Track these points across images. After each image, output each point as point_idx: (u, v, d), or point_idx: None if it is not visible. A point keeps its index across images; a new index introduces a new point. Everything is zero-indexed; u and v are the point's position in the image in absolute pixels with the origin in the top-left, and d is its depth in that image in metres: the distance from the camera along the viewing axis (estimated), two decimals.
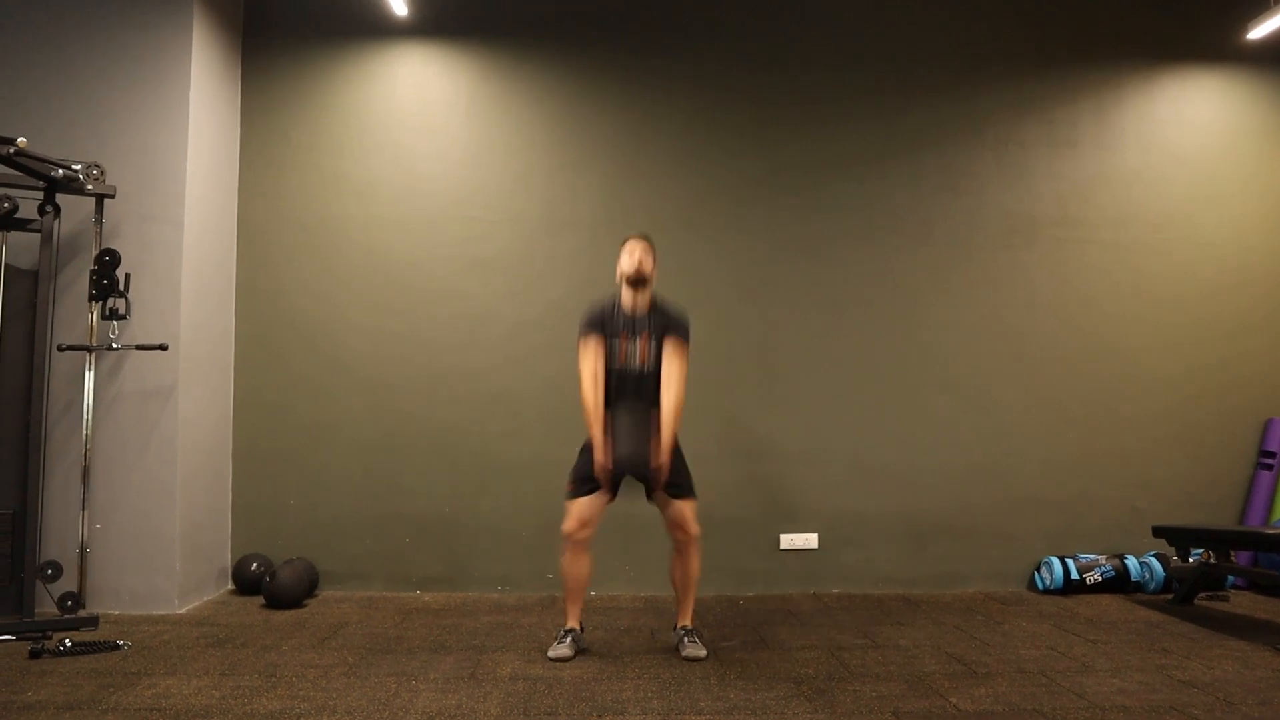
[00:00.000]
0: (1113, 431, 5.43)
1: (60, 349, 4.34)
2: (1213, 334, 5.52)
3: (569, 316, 5.20)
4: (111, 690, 3.29)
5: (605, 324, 3.91)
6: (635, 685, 3.43)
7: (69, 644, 3.75)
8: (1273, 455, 5.39)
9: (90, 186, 4.32)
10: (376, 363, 5.18)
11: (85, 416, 4.33)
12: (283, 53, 5.27)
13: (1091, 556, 5.22)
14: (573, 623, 3.96)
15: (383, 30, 5.29)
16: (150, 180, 4.59)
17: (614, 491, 3.90)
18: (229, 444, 5.12)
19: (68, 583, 4.27)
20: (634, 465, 3.75)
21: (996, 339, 5.41)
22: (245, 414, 5.14)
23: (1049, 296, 5.45)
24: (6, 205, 4.21)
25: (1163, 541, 5.18)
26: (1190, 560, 4.97)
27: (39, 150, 4.16)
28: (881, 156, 5.42)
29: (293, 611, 4.60)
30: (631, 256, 3.89)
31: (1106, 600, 5.01)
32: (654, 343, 3.86)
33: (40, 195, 4.25)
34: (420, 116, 5.30)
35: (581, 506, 3.85)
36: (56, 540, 4.40)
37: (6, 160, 3.95)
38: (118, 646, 3.83)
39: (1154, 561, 5.18)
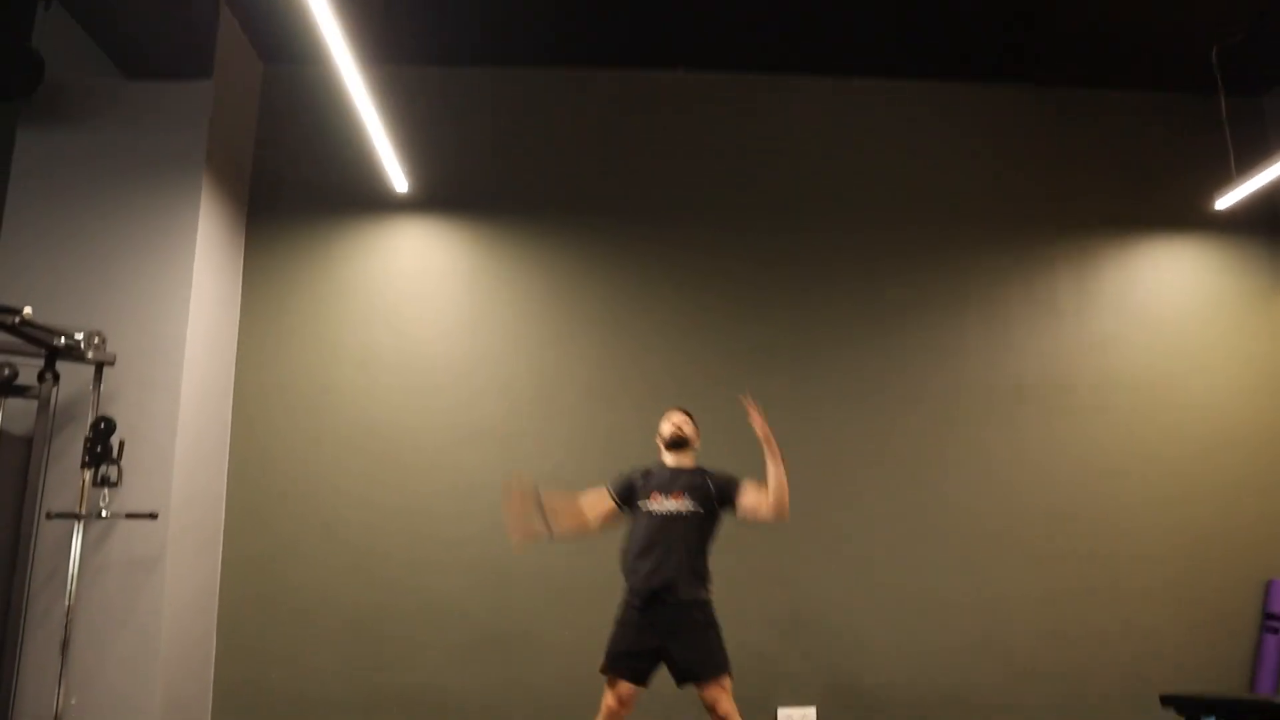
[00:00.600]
0: (1114, 598, 5.34)
1: (49, 517, 4.29)
2: (1207, 495, 5.51)
3: (560, 487, 5.19)
4: None
5: (635, 485, 4.08)
6: None
7: None
8: (1277, 618, 5.31)
9: (90, 355, 4.37)
10: (367, 530, 5.13)
11: (69, 586, 4.24)
12: (286, 225, 5.44)
13: None
14: None
15: (382, 205, 5.49)
16: (150, 348, 4.65)
17: (631, 672, 3.86)
18: (214, 615, 5.00)
19: None
20: (660, 589, 3.86)
21: (989, 507, 5.39)
22: (232, 583, 5.05)
23: (1040, 461, 5.47)
24: (6, 372, 4.24)
25: (1171, 711, 5.03)
26: None
27: (43, 313, 4.22)
28: (869, 327, 5.54)
29: None
30: (670, 421, 4.12)
31: None
32: (692, 499, 3.94)
33: (40, 362, 4.29)
34: (417, 287, 5.43)
35: (619, 686, 3.85)
36: (30, 713, 4.23)
37: (11, 329, 4.01)
38: None
39: None
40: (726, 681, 3.82)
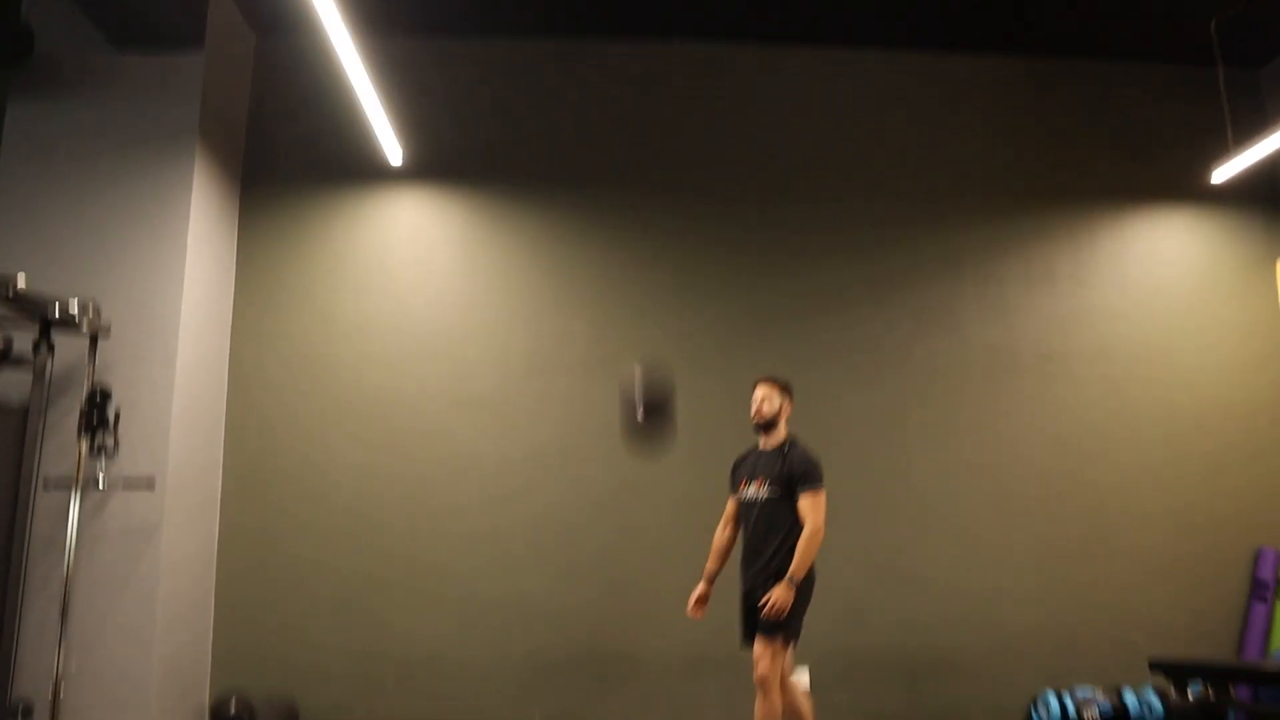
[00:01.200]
0: (1105, 564, 5.40)
1: (46, 486, 4.33)
2: (1198, 466, 5.55)
3: (555, 456, 5.27)
4: None
5: (738, 467, 4.14)
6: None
7: None
8: (1266, 586, 5.35)
9: (85, 325, 4.39)
10: (363, 499, 5.17)
11: (67, 554, 4.29)
12: (280, 196, 5.45)
13: (1088, 693, 5.11)
14: None
15: (377, 175, 5.48)
16: (145, 319, 4.67)
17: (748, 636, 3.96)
18: (212, 580, 5.05)
19: None
20: (745, 597, 3.94)
21: (984, 474, 5.44)
22: (229, 550, 5.09)
23: (1034, 430, 5.50)
24: (0, 343, 4.26)
25: (1160, 676, 5.08)
26: (1189, 695, 4.86)
27: (38, 284, 4.22)
28: (864, 296, 5.56)
29: None
30: (753, 403, 4.04)
31: None
32: (769, 484, 3.91)
33: (35, 332, 4.30)
34: (412, 258, 5.44)
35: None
36: (30, 678, 4.28)
37: (4, 299, 4.02)
38: None
39: (1153, 698, 5.07)
40: (779, 646, 3.81)
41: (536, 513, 5.17)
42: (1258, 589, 5.39)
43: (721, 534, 4.18)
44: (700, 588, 4.13)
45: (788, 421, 4.07)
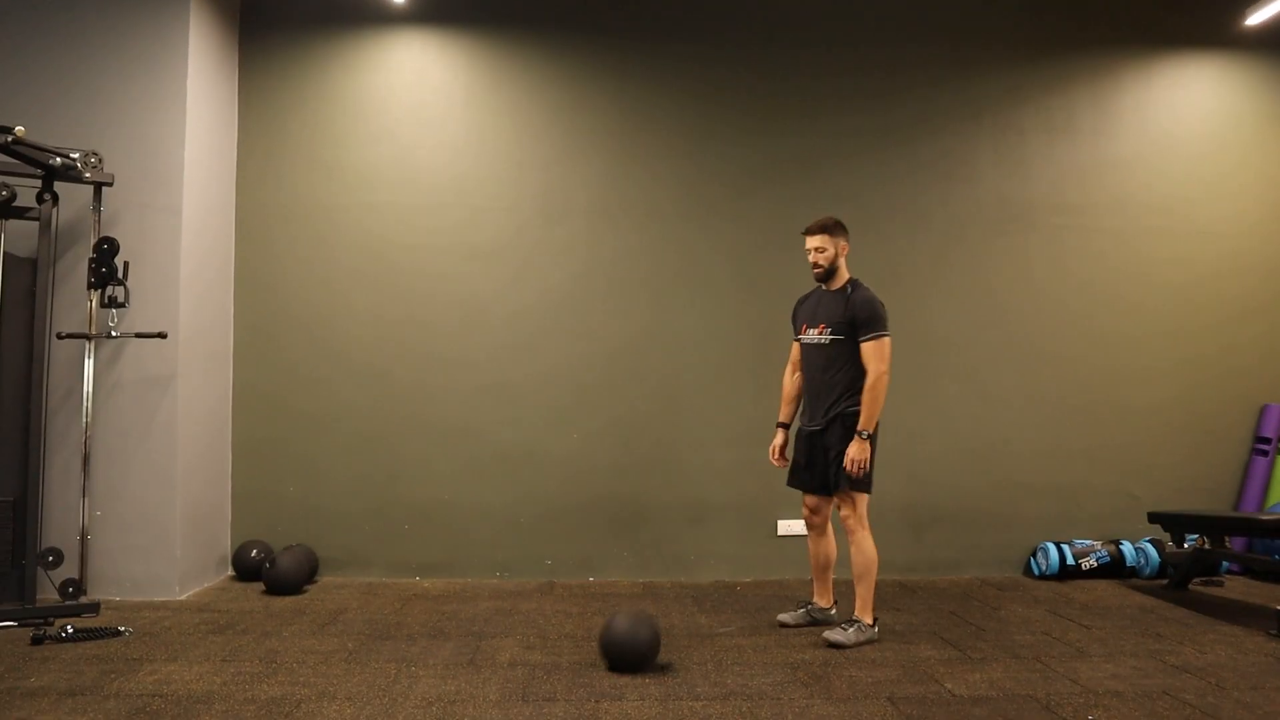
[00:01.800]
0: (1110, 418, 5.45)
1: (59, 337, 4.35)
2: (1210, 320, 5.53)
3: (566, 304, 5.27)
4: (113, 676, 3.32)
5: (798, 310, 4.16)
6: (633, 671, 3.45)
7: (70, 630, 3.77)
8: (1268, 441, 5.41)
9: (88, 174, 4.32)
10: (375, 350, 5.20)
11: (85, 404, 4.34)
12: (280, 42, 5.25)
13: (1087, 542, 5.25)
14: (815, 599, 4.17)
15: (380, 18, 5.28)
16: (148, 168, 4.59)
17: (804, 484, 4.05)
18: (228, 432, 5.14)
19: (69, 569, 4.30)
20: (808, 439, 3.98)
21: (994, 326, 5.42)
22: (244, 401, 5.16)
23: (1047, 283, 5.46)
24: (4, 193, 4.21)
25: (1158, 527, 5.20)
26: (1185, 546, 4.99)
27: (37, 139, 4.15)
28: (878, 145, 5.42)
29: (292, 598, 4.62)
30: (808, 254, 3.99)
31: (1101, 586, 5.04)
32: (831, 327, 3.90)
33: (38, 183, 4.25)
34: (418, 105, 5.29)
35: (805, 497, 4.08)
36: (57, 527, 4.43)
37: (4, 149, 3.94)
38: (119, 633, 3.86)
39: (1149, 547, 5.21)
40: (861, 495, 3.86)
41: (548, 360, 5.21)
42: (1259, 444, 5.45)
43: (789, 380, 4.21)
44: (778, 437, 4.18)
45: (847, 260, 4.01)
